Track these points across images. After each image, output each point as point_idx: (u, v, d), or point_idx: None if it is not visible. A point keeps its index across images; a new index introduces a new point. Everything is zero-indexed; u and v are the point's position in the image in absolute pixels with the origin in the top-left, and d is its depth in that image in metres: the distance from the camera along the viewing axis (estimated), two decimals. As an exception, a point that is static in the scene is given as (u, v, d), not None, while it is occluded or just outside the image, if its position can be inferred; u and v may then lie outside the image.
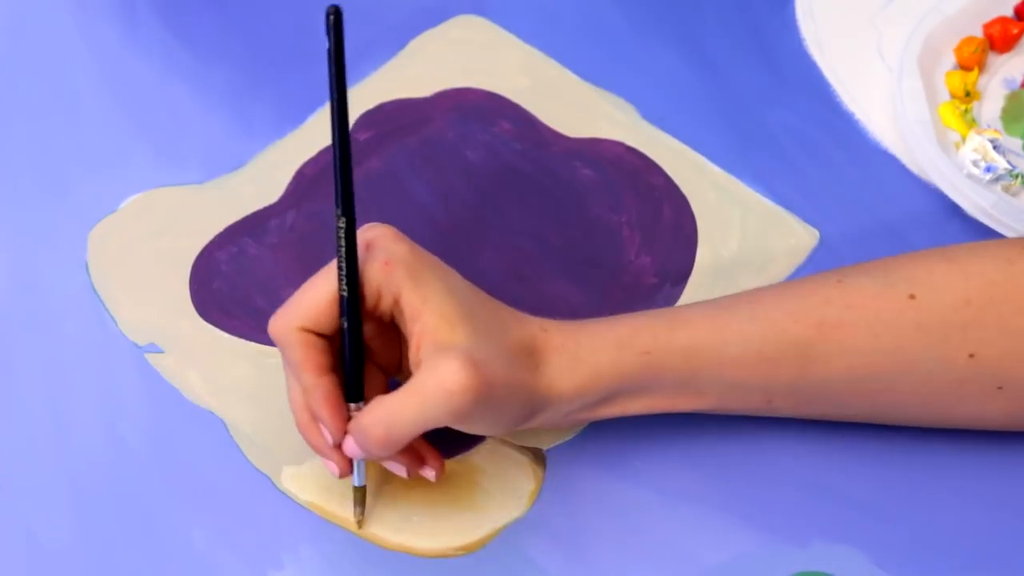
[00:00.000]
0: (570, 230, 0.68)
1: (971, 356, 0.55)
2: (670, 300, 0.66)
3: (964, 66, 0.73)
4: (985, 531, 0.59)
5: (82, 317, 0.65)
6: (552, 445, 0.61)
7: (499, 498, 0.60)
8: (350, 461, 0.56)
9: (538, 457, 0.61)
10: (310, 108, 0.72)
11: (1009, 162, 0.68)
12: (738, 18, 0.77)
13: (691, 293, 0.66)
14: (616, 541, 0.59)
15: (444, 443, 0.59)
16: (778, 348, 0.56)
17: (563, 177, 0.70)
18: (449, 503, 0.60)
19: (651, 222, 0.69)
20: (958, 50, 0.73)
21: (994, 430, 0.60)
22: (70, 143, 0.71)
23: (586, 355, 0.55)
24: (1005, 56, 0.74)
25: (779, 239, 0.68)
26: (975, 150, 0.69)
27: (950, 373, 0.56)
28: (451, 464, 0.61)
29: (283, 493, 0.60)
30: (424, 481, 0.59)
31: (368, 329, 0.56)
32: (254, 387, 0.63)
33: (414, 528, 0.59)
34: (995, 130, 0.70)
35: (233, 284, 0.66)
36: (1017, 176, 0.69)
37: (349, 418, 0.55)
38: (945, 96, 0.72)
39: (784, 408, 0.58)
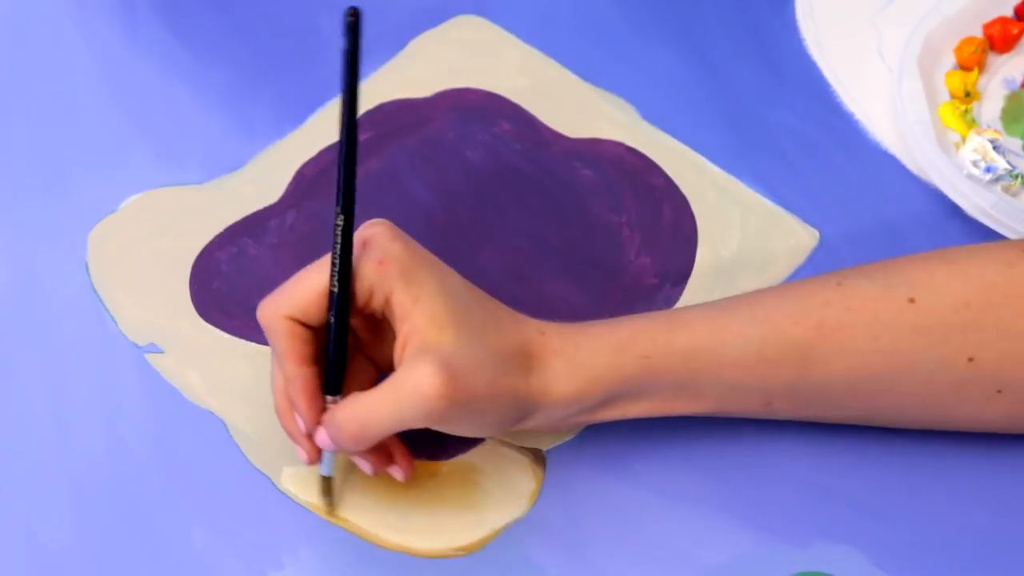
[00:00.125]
0: (570, 230, 0.68)
1: (971, 359, 0.55)
2: (670, 300, 0.66)
3: (964, 66, 0.73)
4: (985, 532, 0.59)
5: (82, 317, 0.65)
6: (552, 445, 0.61)
7: (499, 498, 0.60)
8: (319, 450, 0.57)
9: (538, 457, 0.61)
10: (310, 108, 0.72)
11: (1009, 162, 0.68)
12: (738, 18, 0.76)
13: (691, 293, 0.66)
14: (616, 542, 0.59)
15: (444, 443, 0.59)
16: (778, 350, 0.56)
17: (563, 177, 0.70)
18: (449, 503, 0.60)
19: (651, 222, 0.68)
20: (958, 50, 0.73)
21: (994, 432, 0.60)
22: (70, 143, 0.71)
23: (584, 359, 0.55)
24: (1005, 56, 0.74)
25: (779, 239, 0.68)
26: (975, 150, 0.69)
27: (950, 375, 0.56)
28: (451, 464, 0.61)
29: (283, 493, 0.60)
30: (423, 481, 0.58)
31: (360, 323, 0.56)
32: (254, 387, 0.63)
33: (414, 528, 0.59)
34: (995, 130, 0.70)
35: (233, 284, 0.66)
36: (1017, 176, 0.68)
37: (325, 409, 0.55)
38: (945, 96, 0.72)
39: (783, 410, 0.58)
